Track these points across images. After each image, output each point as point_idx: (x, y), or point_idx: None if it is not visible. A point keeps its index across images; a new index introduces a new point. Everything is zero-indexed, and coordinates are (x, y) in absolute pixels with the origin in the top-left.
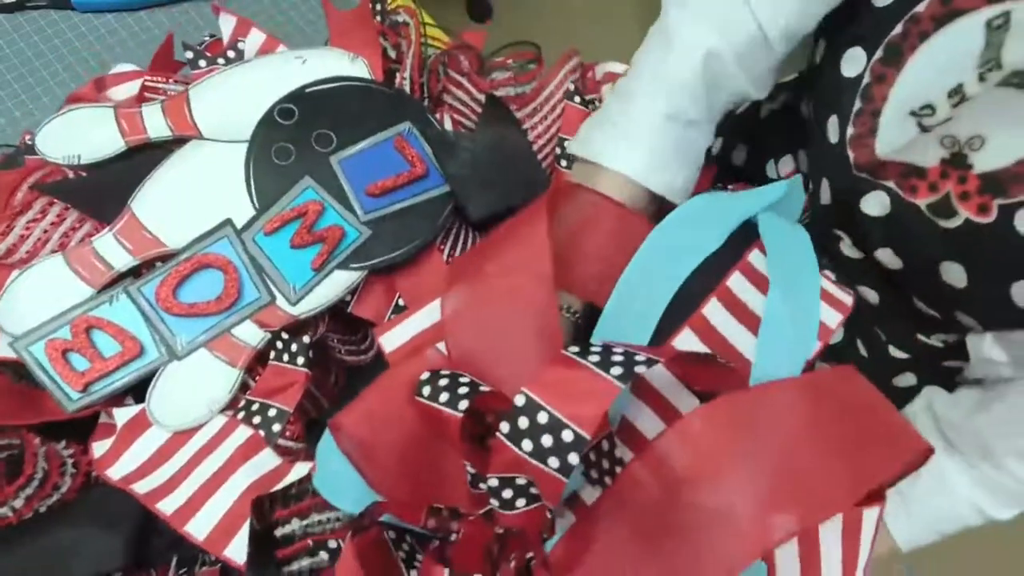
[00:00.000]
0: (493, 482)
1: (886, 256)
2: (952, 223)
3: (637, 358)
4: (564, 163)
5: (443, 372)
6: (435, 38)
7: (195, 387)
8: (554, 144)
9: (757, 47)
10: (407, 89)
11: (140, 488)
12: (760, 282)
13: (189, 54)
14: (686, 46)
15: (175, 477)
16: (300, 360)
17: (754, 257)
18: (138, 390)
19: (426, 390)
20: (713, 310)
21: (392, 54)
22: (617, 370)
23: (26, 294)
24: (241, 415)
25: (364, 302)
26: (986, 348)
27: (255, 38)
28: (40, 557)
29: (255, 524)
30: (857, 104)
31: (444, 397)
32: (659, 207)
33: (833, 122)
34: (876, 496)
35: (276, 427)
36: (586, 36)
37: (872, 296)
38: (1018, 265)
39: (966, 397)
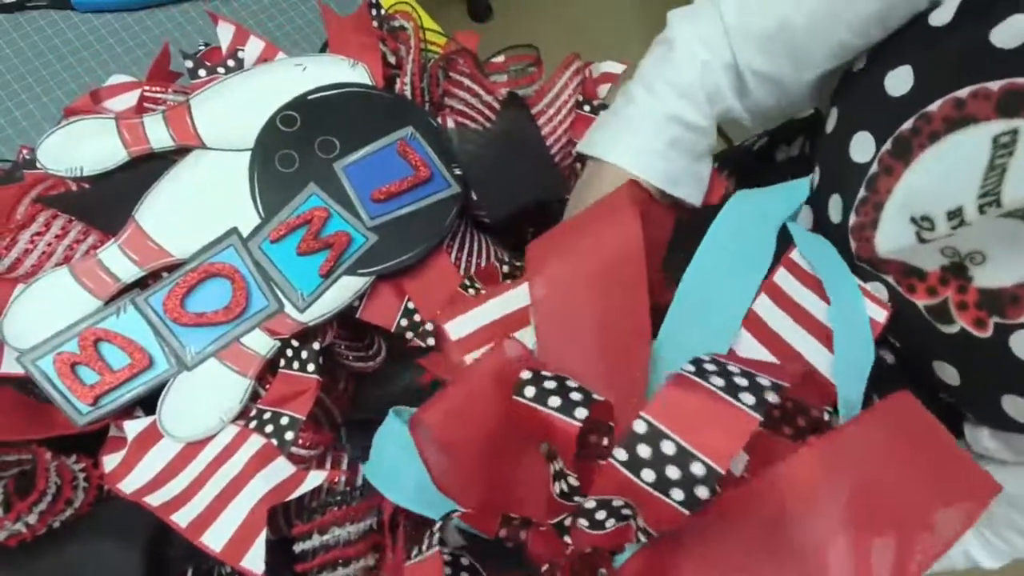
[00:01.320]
0: (590, 503)
1: (888, 334)
2: (949, 329)
3: (761, 382)
4: (579, 165)
5: (547, 374)
6: (433, 42)
7: (206, 398)
8: (562, 146)
9: (736, 80)
10: (408, 94)
11: (154, 500)
12: (804, 277)
13: (189, 64)
14: (686, 56)
15: (189, 489)
16: (311, 367)
17: (795, 254)
18: (148, 402)
19: (529, 391)
20: (764, 306)
21: (392, 60)
22: (749, 398)
23: (32, 308)
24: (253, 424)
25: (372, 307)
26: (983, 440)
27: (254, 46)
28: (55, 573)
29: (270, 535)
30: (863, 192)
31: (555, 402)
32: (674, 200)
33: (836, 201)
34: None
35: (289, 435)
36: (586, 35)
37: (889, 358)
38: (1011, 382)
39: None
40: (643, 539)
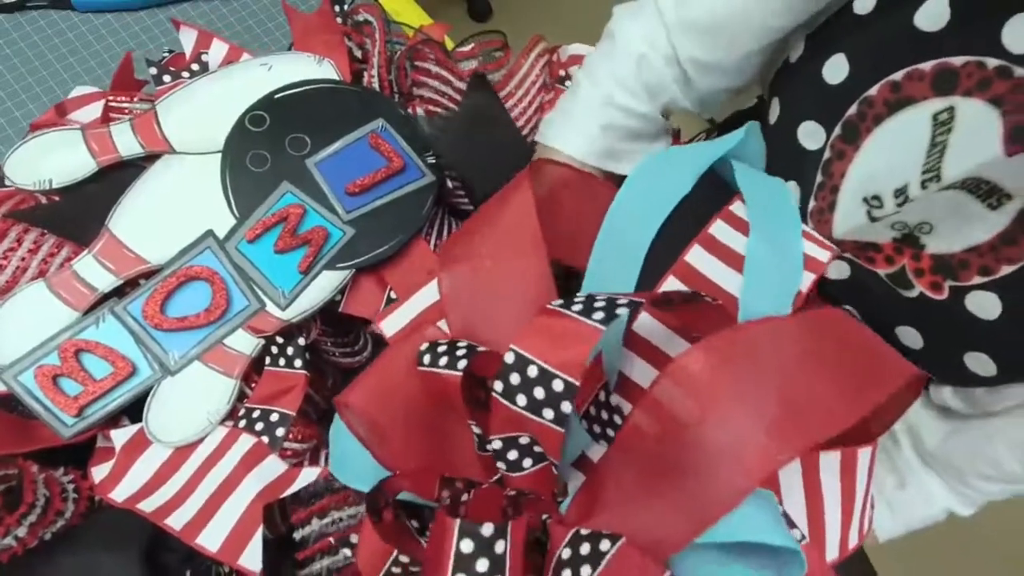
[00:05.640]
0: (497, 444)
1: (851, 306)
2: (910, 294)
3: (619, 302)
4: None
5: (441, 341)
6: (401, 35)
7: (192, 401)
8: (532, 127)
9: (679, 73)
10: (376, 87)
11: (146, 506)
12: (743, 227)
13: (153, 70)
14: (624, 48)
15: (181, 492)
16: (297, 363)
17: (736, 207)
18: (134, 410)
19: (426, 359)
20: (696, 256)
21: (358, 54)
22: (599, 315)
23: (10, 323)
24: (242, 424)
25: (355, 300)
26: (946, 398)
27: (218, 49)
28: None
29: (268, 533)
30: (820, 177)
31: (443, 362)
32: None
33: (792, 189)
34: (869, 438)
35: (279, 432)
36: (586, 35)
37: None
38: (971, 339)
39: (937, 426)
40: (555, 472)
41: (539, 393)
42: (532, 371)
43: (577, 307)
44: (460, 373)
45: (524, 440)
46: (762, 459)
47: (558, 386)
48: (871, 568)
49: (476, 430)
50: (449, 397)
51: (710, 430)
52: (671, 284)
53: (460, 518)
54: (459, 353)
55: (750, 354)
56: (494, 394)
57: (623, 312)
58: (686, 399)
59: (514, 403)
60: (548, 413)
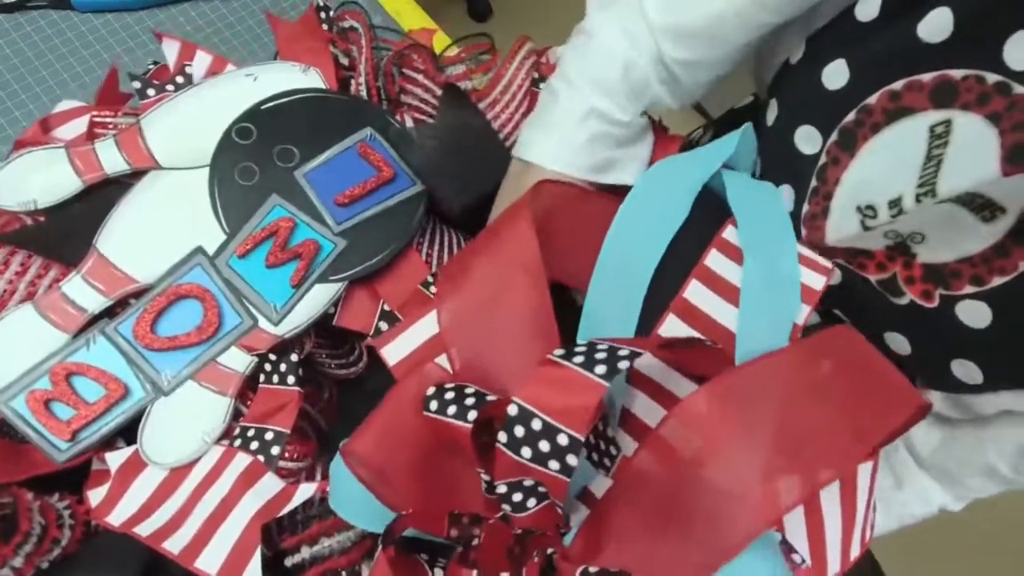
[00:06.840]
0: (502, 488)
1: (840, 311)
2: (900, 301)
3: (620, 353)
4: None
5: (448, 385)
6: (386, 39)
7: (187, 421)
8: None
9: (664, 72)
10: (364, 95)
11: (143, 530)
12: (738, 256)
13: (137, 84)
14: (606, 51)
15: (178, 514)
16: (291, 379)
17: (728, 233)
18: (129, 432)
19: (433, 405)
20: (694, 291)
21: (344, 61)
22: (601, 368)
23: None
24: (238, 443)
25: (348, 312)
26: (935, 403)
27: (202, 60)
28: None
29: (266, 551)
30: (814, 182)
31: (452, 410)
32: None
33: (787, 191)
34: (870, 453)
35: (275, 450)
36: None
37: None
38: (960, 347)
39: (929, 434)
40: (560, 512)
41: (544, 446)
42: (536, 424)
43: (579, 359)
44: (469, 425)
45: (528, 483)
46: (770, 503)
47: (563, 440)
48: (877, 565)
49: (485, 477)
50: (458, 444)
51: (717, 473)
52: (671, 321)
53: (473, 565)
54: (468, 402)
55: (757, 395)
56: (498, 445)
57: (624, 365)
58: (692, 441)
59: (519, 455)
60: (554, 464)
